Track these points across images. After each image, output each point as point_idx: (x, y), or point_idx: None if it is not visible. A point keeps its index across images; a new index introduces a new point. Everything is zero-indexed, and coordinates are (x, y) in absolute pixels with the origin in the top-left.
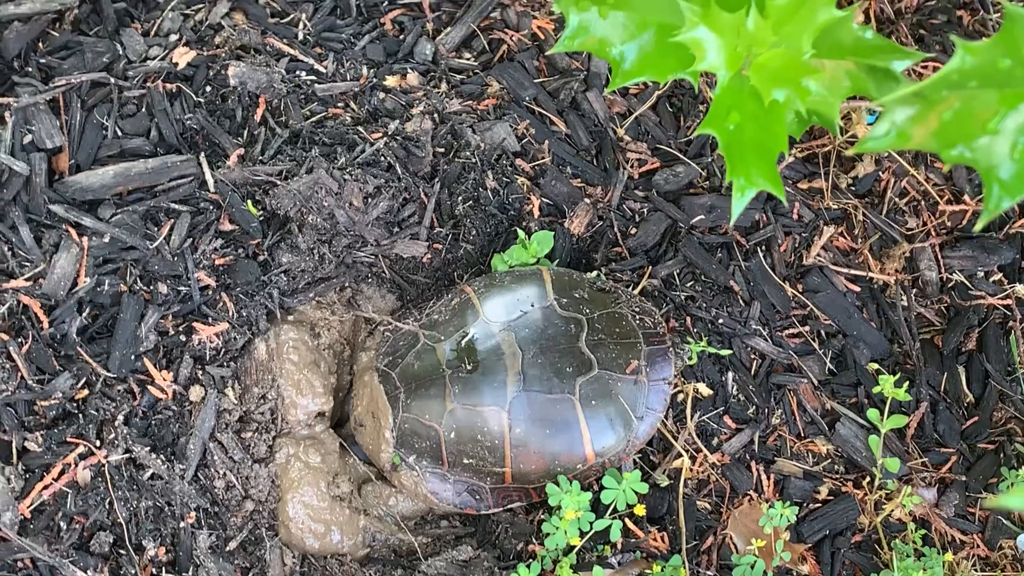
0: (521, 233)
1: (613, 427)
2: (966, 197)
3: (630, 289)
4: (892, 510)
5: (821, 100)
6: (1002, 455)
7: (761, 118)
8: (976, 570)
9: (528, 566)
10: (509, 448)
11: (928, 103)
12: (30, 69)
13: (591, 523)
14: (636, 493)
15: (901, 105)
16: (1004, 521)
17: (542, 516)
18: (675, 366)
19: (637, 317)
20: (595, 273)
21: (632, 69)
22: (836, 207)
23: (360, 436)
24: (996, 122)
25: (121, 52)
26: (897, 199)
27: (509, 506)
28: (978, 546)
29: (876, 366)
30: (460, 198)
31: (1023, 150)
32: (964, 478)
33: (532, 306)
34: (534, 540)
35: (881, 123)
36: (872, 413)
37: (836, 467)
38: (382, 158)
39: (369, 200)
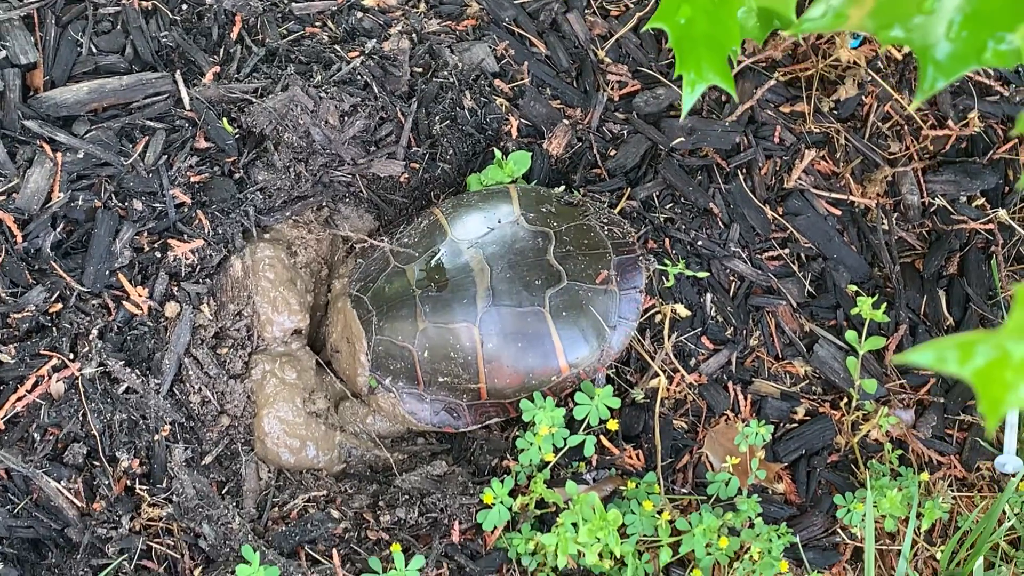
0: (498, 153)
1: (586, 337)
2: (950, 122)
3: (598, 202)
4: (869, 430)
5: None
6: None
7: (712, 12)
8: (952, 490)
9: (502, 481)
10: (483, 363)
11: None
12: None
13: (565, 439)
14: (609, 409)
15: None
16: (982, 443)
17: (517, 432)
18: (645, 275)
19: (606, 228)
20: (562, 187)
21: None
22: (818, 131)
23: (336, 362)
24: (932, 2)
25: None
26: (880, 123)
27: (487, 422)
28: (955, 467)
29: (855, 289)
30: (437, 117)
31: (959, 30)
32: (942, 400)
33: (499, 222)
34: (508, 456)
35: (817, 5)
36: (850, 335)
37: (814, 388)
38: (358, 76)
39: (345, 118)
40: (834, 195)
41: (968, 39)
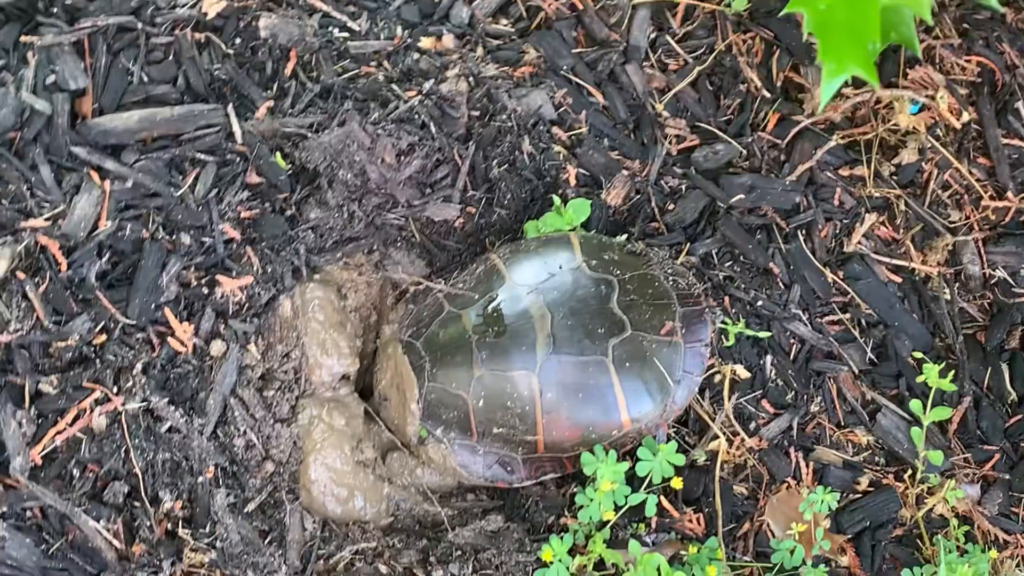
0: (556, 199)
1: (649, 391)
2: (1009, 193)
3: (661, 252)
4: (934, 504)
5: None
6: None
7: (852, 2)
8: (1021, 570)
9: (561, 538)
10: (540, 414)
11: None
12: (55, 9)
13: (626, 497)
14: (672, 466)
15: None
16: None
17: (575, 489)
18: (711, 328)
19: (670, 278)
20: (624, 237)
21: None
22: (878, 195)
23: (385, 411)
24: None
25: None
26: (940, 191)
27: (542, 478)
28: (1021, 546)
29: (920, 356)
30: (495, 161)
31: None
32: (1007, 476)
33: (560, 268)
34: (566, 513)
35: None
36: (915, 404)
37: (877, 458)
38: (416, 116)
39: (402, 157)
40: (895, 261)
41: None
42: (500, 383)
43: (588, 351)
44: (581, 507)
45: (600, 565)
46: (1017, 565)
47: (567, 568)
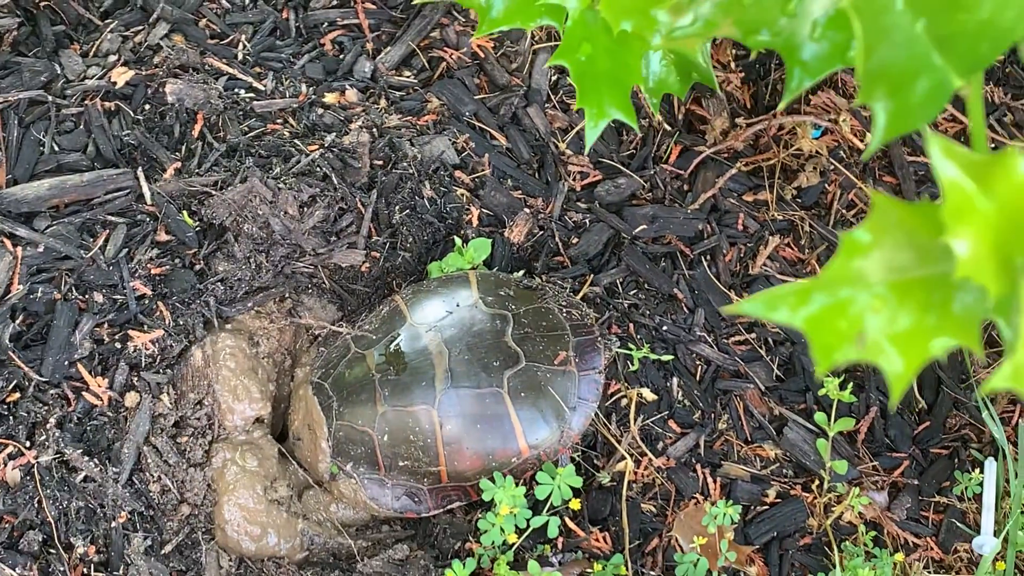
0: (458, 240)
1: (545, 418)
2: None
3: (558, 287)
4: (841, 512)
5: (684, 35)
6: (956, 460)
7: (614, 51)
8: (929, 571)
9: (464, 563)
10: (442, 446)
11: None
12: None
13: (528, 520)
14: (572, 488)
15: None
16: (959, 524)
17: (480, 515)
18: (605, 356)
19: (564, 310)
20: (521, 273)
21: (499, 17)
22: (782, 218)
23: (299, 450)
24: (795, 4)
25: (60, 72)
26: (844, 211)
27: (449, 506)
28: (932, 548)
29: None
30: (397, 207)
31: (823, 31)
32: (917, 482)
33: (458, 306)
34: (471, 539)
35: (686, 16)
36: (820, 417)
37: (784, 471)
38: (318, 168)
39: (304, 209)
40: (800, 281)
41: (832, 40)
42: (403, 418)
43: (484, 383)
44: (484, 532)
45: None
46: (926, 566)
47: None
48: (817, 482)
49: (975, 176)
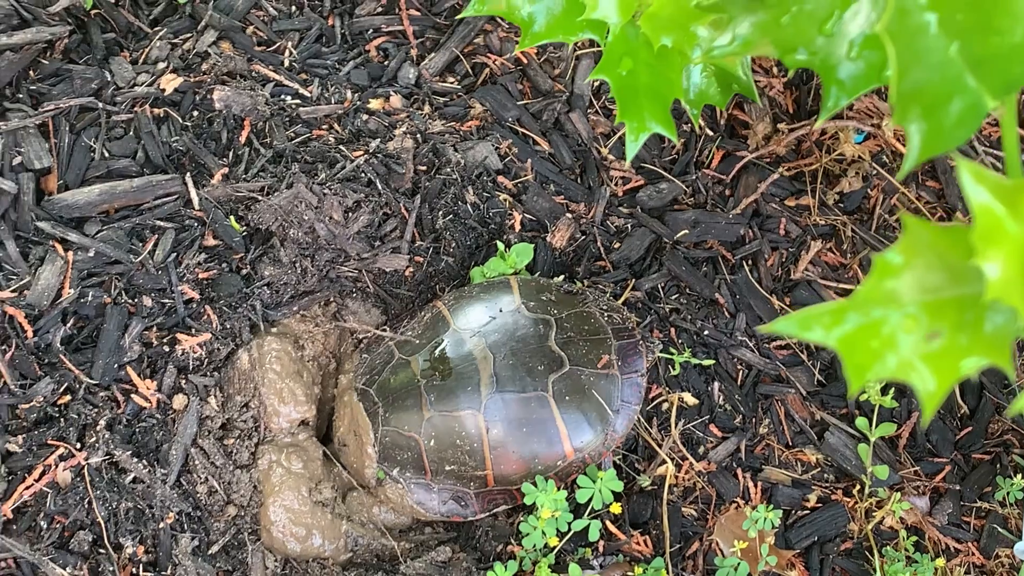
0: (500, 245)
1: (590, 422)
2: (958, 214)
3: (599, 291)
4: (883, 517)
5: (723, 54)
6: (998, 465)
7: (654, 65)
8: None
9: (505, 565)
10: (488, 450)
11: (769, 8)
12: (21, 95)
13: (569, 523)
14: (613, 492)
15: (745, 14)
16: (1000, 530)
17: (522, 518)
18: (647, 359)
19: (605, 314)
20: (561, 278)
21: (541, 31)
22: (824, 223)
23: (344, 456)
24: (832, 24)
25: (110, 79)
26: (887, 216)
27: (495, 510)
28: (973, 554)
29: None
30: (441, 212)
31: (860, 50)
32: (958, 487)
33: (501, 311)
34: (513, 541)
35: (725, 34)
36: (861, 422)
37: (825, 475)
38: (362, 174)
39: (349, 214)
40: (842, 285)
41: (868, 60)
42: (449, 423)
43: (529, 387)
44: (526, 535)
45: None
46: (967, 571)
47: None
48: (858, 487)
49: (1005, 200)
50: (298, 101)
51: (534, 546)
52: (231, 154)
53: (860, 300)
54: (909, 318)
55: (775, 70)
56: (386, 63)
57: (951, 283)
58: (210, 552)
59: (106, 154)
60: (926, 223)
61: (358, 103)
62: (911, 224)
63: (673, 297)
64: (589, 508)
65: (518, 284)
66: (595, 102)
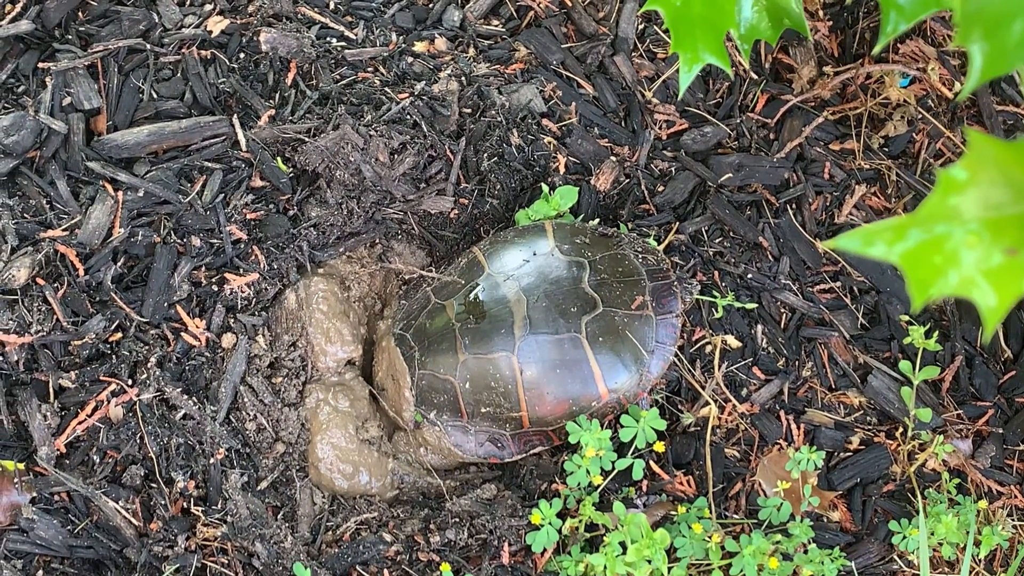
0: (544, 187)
1: (624, 362)
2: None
3: (637, 234)
4: (925, 460)
5: None
6: None
7: None
8: (1013, 519)
9: (550, 503)
10: (523, 392)
11: None
12: (70, 36)
13: (613, 462)
14: (656, 432)
15: None
16: None
17: (566, 457)
18: (682, 300)
19: (640, 256)
20: (596, 221)
21: None
22: (869, 167)
23: (384, 399)
24: None
25: (157, 20)
26: (932, 160)
27: (531, 451)
28: (1015, 496)
29: (907, 318)
30: (485, 155)
31: None
32: (1001, 431)
33: (534, 254)
34: (558, 480)
35: None
36: (904, 364)
37: (868, 418)
38: (408, 116)
39: (395, 156)
40: (897, 217)
41: None
42: (483, 365)
43: (563, 329)
44: (570, 473)
45: (592, 527)
46: (1009, 514)
47: (557, 530)
48: (901, 430)
49: None
50: (344, 43)
51: (578, 485)
52: (277, 96)
53: (923, 216)
54: (972, 234)
55: (821, 13)
56: (431, 5)
57: (1015, 200)
58: (259, 488)
59: (154, 95)
60: (991, 139)
61: (403, 45)
62: (976, 140)
63: (717, 240)
64: (632, 447)
65: (552, 228)
66: (639, 45)
